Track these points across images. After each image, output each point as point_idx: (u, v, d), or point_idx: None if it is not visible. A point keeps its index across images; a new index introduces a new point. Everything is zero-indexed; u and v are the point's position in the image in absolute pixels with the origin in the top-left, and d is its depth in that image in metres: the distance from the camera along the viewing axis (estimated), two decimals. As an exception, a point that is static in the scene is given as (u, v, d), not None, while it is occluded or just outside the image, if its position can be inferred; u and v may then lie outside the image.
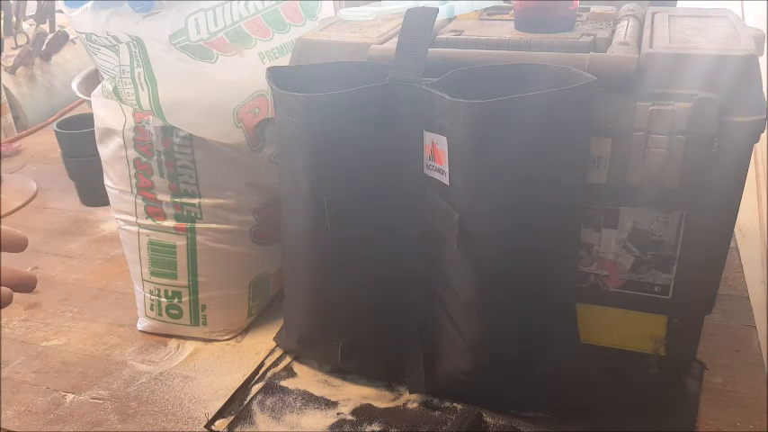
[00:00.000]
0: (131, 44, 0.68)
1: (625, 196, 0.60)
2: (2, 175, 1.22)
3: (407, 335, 0.67)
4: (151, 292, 0.77)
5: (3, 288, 0.45)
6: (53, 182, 1.21)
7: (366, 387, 0.69)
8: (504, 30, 0.67)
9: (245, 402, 0.68)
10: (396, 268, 0.64)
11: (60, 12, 1.68)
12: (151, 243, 0.75)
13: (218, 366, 0.74)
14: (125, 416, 0.68)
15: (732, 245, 0.88)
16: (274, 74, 0.64)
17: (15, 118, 1.52)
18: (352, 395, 0.68)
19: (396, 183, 0.61)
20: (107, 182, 0.75)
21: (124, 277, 0.90)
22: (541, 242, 0.57)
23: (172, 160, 0.70)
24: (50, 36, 1.65)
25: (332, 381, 0.70)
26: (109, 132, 0.72)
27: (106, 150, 0.73)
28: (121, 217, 0.75)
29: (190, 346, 0.78)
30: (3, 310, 0.46)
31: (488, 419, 0.64)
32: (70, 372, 0.74)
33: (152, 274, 0.76)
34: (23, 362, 0.76)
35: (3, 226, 0.45)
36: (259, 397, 0.68)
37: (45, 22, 1.71)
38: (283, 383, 0.70)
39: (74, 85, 1.14)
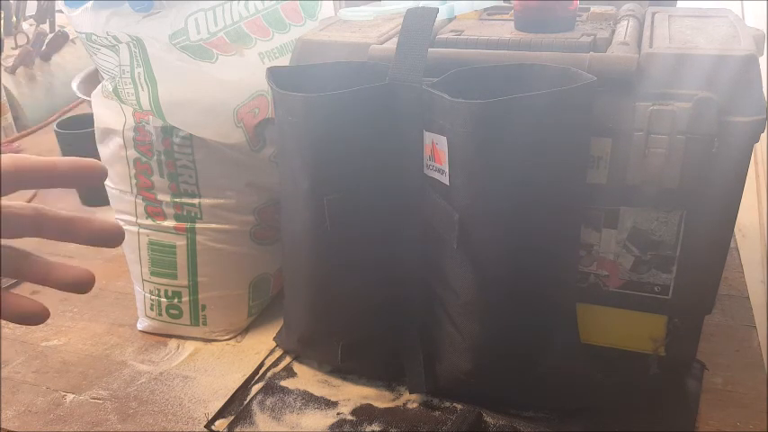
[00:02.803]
0: (131, 44, 0.68)
1: (625, 196, 0.60)
2: (2, 175, 1.21)
3: (407, 335, 0.67)
4: (151, 292, 0.77)
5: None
6: (53, 182, 1.21)
7: (366, 387, 0.69)
8: (504, 30, 0.67)
9: (245, 402, 0.68)
10: (396, 268, 0.64)
11: (60, 12, 1.68)
12: (151, 243, 0.75)
13: (218, 366, 0.74)
14: (125, 416, 0.68)
15: (732, 245, 0.88)
16: (274, 74, 0.64)
17: (15, 118, 1.52)
18: (352, 395, 0.68)
19: (396, 183, 0.61)
20: (107, 182, 0.75)
21: (124, 277, 0.90)
22: (541, 242, 0.57)
23: (172, 160, 0.70)
24: (50, 36, 1.65)
25: (332, 381, 0.70)
26: (109, 132, 0.72)
27: (106, 150, 0.73)
28: (121, 217, 0.75)
29: (190, 346, 0.78)
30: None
31: (488, 419, 0.64)
32: (70, 372, 0.74)
33: (152, 274, 0.76)
34: (23, 362, 0.76)
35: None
36: (259, 397, 0.68)
37: (45, 22, 1.71)
38: (283, 383, 0.70)
39: (74, 85, 1.14)
